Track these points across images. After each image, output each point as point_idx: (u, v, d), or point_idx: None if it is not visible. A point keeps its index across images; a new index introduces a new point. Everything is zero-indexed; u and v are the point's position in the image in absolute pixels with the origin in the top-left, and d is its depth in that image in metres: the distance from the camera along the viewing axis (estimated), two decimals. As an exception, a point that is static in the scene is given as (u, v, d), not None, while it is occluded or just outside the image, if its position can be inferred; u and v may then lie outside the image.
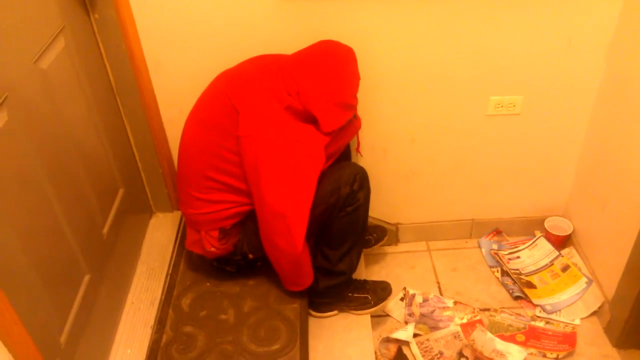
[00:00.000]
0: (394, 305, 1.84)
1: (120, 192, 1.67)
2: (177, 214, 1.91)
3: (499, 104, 1.76)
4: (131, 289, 1.62)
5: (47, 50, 1.29)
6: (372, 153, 1.84)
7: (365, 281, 1.78)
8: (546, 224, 1.99)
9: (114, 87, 1.66)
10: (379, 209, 1.96)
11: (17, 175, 1.12)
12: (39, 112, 1.23)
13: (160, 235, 1.82)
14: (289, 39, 1.57)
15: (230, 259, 1.57)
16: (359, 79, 1.51)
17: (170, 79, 1.67)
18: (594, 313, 1.76)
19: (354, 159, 1.81)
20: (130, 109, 1.70)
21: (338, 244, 1.61)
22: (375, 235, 1.97)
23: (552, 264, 1.89)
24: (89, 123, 1.48)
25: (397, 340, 1.72)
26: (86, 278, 1.38)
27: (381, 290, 1.78)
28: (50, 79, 1.28)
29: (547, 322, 1.75)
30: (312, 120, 1.42)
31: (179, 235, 1.82)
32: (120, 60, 1.59)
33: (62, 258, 1.28)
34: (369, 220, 1.71)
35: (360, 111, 1.65)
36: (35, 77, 1.23)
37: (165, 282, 1.63)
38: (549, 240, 1.96)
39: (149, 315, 1.53)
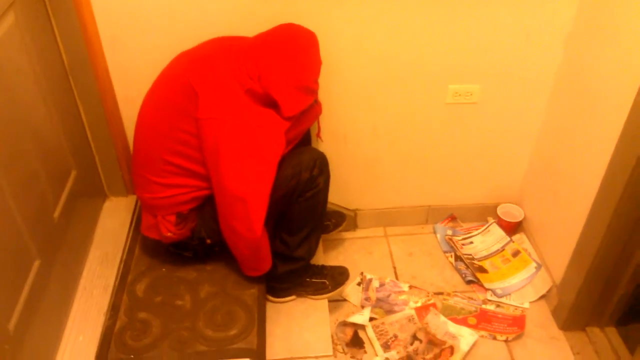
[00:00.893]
0: (351, 290, 1.86)
1: (73, 174, 1.62)
2: (132, 198, 1.87)
3: (457, 93, 1.79)
4: (83, 275, 1.58)
5: (-5, 25, 1.23)
6: (332, 139, 1.84)
7: (323, 266, 1.79)
8: (498, 211, 2.05)
9: (66, 64, 1.60)
10: (338, 195, 1.98)
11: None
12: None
13: (114, 220, 1.78)
14: (250, 21, 1.54)
15: (188, 244, 1.55)
16: (320, 63, 1.50)
17: (127, 56, 1.62)
18: (543, 297, 1.83)
19: (314, 144, 1.80)
20: (83, 87, 1.65)
21: (297, 229, 1.61)
22: (333, 220, 1.98)
23: (504, 250, 1.95)
24: (39, 101, 1.43)
25: (353, 324, 1.74)
26: (36, 263, 1.33)
27: (339, 275, 1.80)
28: (-4, 56, 1.23)
29: (498, 306, 1.81)
30: (273, 105, 1.41)
31: (134, 219, 1.78)
32: (73, 36, 1.54)
33: (10, 242, 1.23)
34: (328, 205, 1.72)
35: (321, 97, 1.65)
36: (-19, 53, 1.17)
37: (119, 267, 1.60)
38: (501, 226, 2.02)
39: (102, 301, 1.50)
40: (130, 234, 1.73)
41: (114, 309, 1.47)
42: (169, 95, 1.43)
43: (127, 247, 1.67)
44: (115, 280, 1.55)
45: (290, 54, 1.42)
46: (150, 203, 1.52)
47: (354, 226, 2.10)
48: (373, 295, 1.84)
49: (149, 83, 1.49)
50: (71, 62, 1.59)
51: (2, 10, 1.26)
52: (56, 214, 1.48)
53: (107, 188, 1.87)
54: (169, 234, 1.51)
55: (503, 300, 1.82)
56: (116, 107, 1.72)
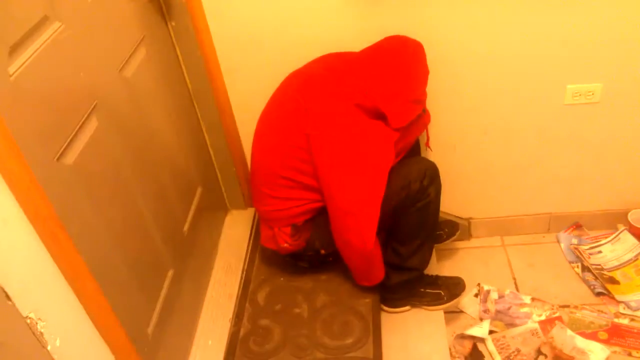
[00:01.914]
0: (468, 302, 1.83)
1: (199, 191, 1.77)
2: (251, 211, 1.99)
3: (576, 93, 1.70)
4: (210, 283, 1.71)
5: (130, 59, 1.39)
6: (442, 147, 1.83)
7: (437, 277, 1.77)
8: (630, 217, 1.90)
9: (191, 92, 1.75)
10: (450, 204, 1.95)
11: (108, 178, 1.22)
12: (124, 118, 1.33)
13: (235, 232, 1.90)
14: (356, 36, 1.59)
15: (303, 254, 1.62)
16: (427, 73, 1.51)
17: (243, 81, 1.74)
18: (685, 311, 1.68)
19: (423, 154, 1.81)
20: (206, 112, 1.79)
21: (409, 239, 1.62)
22: (446, 230, 1.95)
23: (637, 259, 1.81)
24: (169, 126, 1.58)
25: (472, 337, 1.71)
26: (170, 273, 1.47)
27: (454, 286, 1.77)
28: (133, 86, 1.38)
29: (632, 320, 1.68)
30: (381, 117, 1.43)
31: (253, 231, 1.89)
32: (196, 65, 1.69)
33: (148, 254, 1.37)
34: (440, 215, 1.71)
35: (429, 105, 1.65)
36: (120, 85, 1.33)
37: (241, 277, 1.71)
38: (633, 233, 1.88)
39: (228, 308, 1.61)
40: (250, 245, 1.83)
41: (238, 316, 1.58)
42: (281, 114, 1.51)
43: (247, 258, 1.78)
44: (239, 289, 1.66)
45: (397, 66, 1.44)
46: (267, 216, 1.61)
47: (468, 235, 2.06)
48: (492, 307, 1.79)
49: (262, 105, 1.58)
50: (195, 89, 1.74)
51: (135, 45, 1.42)
52: (185, 227, 1.62)
53: (228, 202, 2.01)
54: (285, 245, 1.58)
55: (638, 313, 1.69)
56: (235, 129, 1.85)
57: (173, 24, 1.62)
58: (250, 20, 1.62)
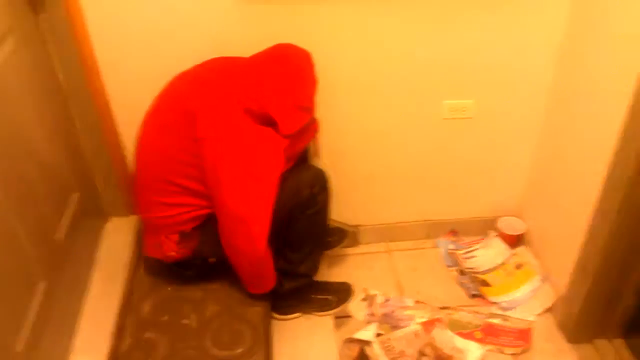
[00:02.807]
0: (355, 306, 1.88)
1: (75, 196, 1.64)
2: (133, 218, 1.88)
3: (452, 108, 1.82)
4: (88, 296, 1.59)
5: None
6: (330, 155, 1.87)
7: (326, 283, 1.81)
8: (499, 224, 2.07)
9: (65, 89, 1.63)
10: (339, 211, 1.99)
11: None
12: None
13: (116, 240, 1.79)
14: (246, 42, 1.58)
15: (190, 263, 1.58)
16: (316, 82, 1.54)
17: (124, 80, 1.66)
18: (548, 310, 1.85)
19: (311, 162, 1.83)
20: (82, 111, 1.68)
21: (299, 246, 1.64)
22: (335, 237, 2.00)
23: (506, 263, 1.97)
24: (40, 126, 1.46)
25: (359, 341, 1.75)
26: (41, 285, 1.35)
27: (342, 292, 1.82)
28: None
29: (504, 319, 1.82)
30: (271, 123, 1.44)
31: (136, 239, 1.80)
32: (70, 61, 1.58)
33: (14, 263, 1.25)
34: (330, 222, 1.75)
35: (318, 113, 1.67)
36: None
37: (123, 287, 1.61)
38: (503, 239, 2.05)
39: (108, 321, 1.51)
40: (133, 254, 1.74)
41: (119, 330, 1.49)
42: (168, 117, 1.47)
43: (130, 267, 1.69)
44: (121, 300, 1.57)
45: (286, 73, 1.45)
46: (152, 222, 1.55)
47: (355, 242, 2.12)
48: (378, 311, 1.85)
49: (146, 106, 1.53)
50: (69, 86, 1.62)
51: (0, 37, 1.30)
52: (59, 235, 1.50)
53: (107, 209, 1.89)
54: (172, 253, 1.53)
55: (509, 313, 1.83)
56: (115, 130, 1.75)
57: (44, 15, 1.50)
58: (134, 15, 1.55)
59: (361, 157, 1.92)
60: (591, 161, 1.59)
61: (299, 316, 1.73)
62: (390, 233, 2.13)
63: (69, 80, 1.61)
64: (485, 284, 1.92)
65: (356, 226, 2.09)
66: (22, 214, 1.29)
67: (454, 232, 2.14)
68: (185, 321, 1.52)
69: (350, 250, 2.10)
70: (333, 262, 2.04)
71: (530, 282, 1.90)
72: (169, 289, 1.62)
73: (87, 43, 1.57)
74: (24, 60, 1.40)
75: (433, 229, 2.14)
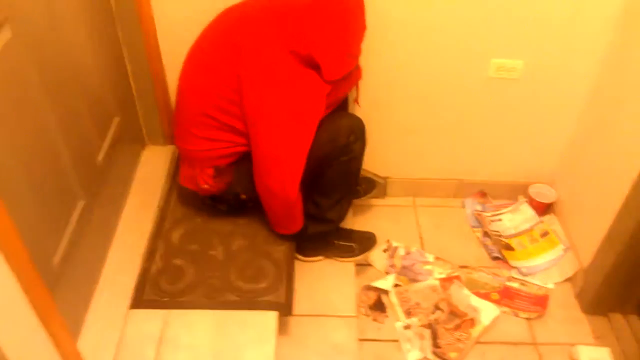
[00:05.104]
0: (376, 256, 1.89)
1: (116, 120, 1.66)
2: (170, 148, 1.90)
3: (500, 67, 1.76)
4: (122, 218, 1.64)
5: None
6: (370, 105, 1.84)
7: (351, 230, 1.82)
8: (530, 190, 2.03)
9: (115, 12, 1.62)
10: (371, 162, 1.98)
11: (18, 95, 1.11)
12: (41, 33, 1.20)
13: (152, 168, 1.82)
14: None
15: (223, 197, 1.59)
16: (365, 29, 1.50)
17: (172, 8, 1.64)
18: (568, 280, 1.84)
19: (351, 110, 1.81)
20: (129, 36, 1.67)
21: (330, 192, 1.64)
22: (364, 186, 2.01)
23: (532, 229, 1.95)
24: (87, 46, 1.46)
25: (377, 289, 1.78)
26: (80, 203, 1.38)
27: (366, 240, 1.83)
28: (52, 1, 1.25)
29: (522, 284, 1.82)
30: (315, 67, 1.41)
31: (172, 169, 1.82)
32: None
33: (57, 180, 1.28)
34: (361, 172, 1.74)
35: (362, 62, 1.64)
36: (38, -2, 1.19)
37: (156, 214, 1.65)
38: (531, 206, 2.01)
39: (139, 245, 1.55)
40: (168, 183, 1.77)
41: (150, 253, 1.54)
42: (213, 51, 1.45)
43: (164, 195, 1.72)
44: (153, 226, 1.61)
45: (337, 17, 1.40)
46: (189, 155, 1.56)
47: (383, 194, 2.11)
48: (398, 262, 1.87)
49: (194, 36, 1.50)
50: (118, 10, 1.61)
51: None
52: (99, 157, 1.53)
53: (147, 136, 1.91)
54: (205, 186, 1.55)
55: (527, 279, 1.83)
56: (159, 58, 1.74)
57: None
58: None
59: (399, 109, 1.88)
60: (634, 134, 1.53)
61: (322, 259, 1.76)
62: (418, 188, 2.11)
63: (118, 4, 1.60)
64: (508, 247, 1.91)
65: (385, 178, 2.08)
66: (66, 134, 1.31)
67: (482, 194, 2.11)
68: (212, 252, 1.55)
69: (377, 201, 2.10)
70: (359, 211, 2.04)
71: (554, 250, 1.88)
72: (199, 219, 1.65)
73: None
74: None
75: (461, 189, 2.11)
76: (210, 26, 1.50)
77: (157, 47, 1.72)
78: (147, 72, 1.74)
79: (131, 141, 1.82)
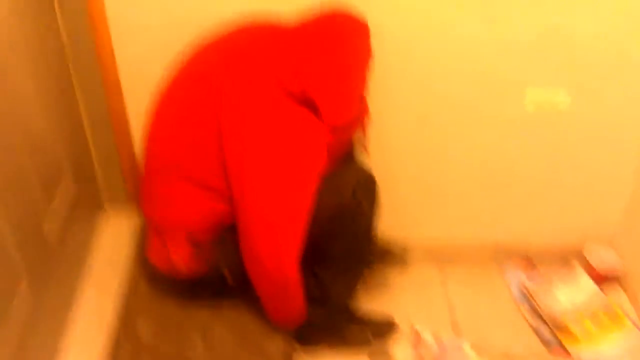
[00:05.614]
0: (397, 346, 1.86)
1: (68, 182, 1.67)
2: (135, 213, 1.91)
3: (538, 99, 1.78)
4: (77, 310, 1.62)
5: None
6: (381, 152, 1.85)
7: (363, 313, 1.80)
8: (587, 254, 2.03)
9: (67, 51, 1.65)
10: (385, 223, 1.95)
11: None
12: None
13: (113, 241, 1.82)
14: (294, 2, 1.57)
15: (203, 278, 1.57)
16: (371, 57, 1.52)
17: (139, 40, 1.67)
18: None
19: (357, 159, 1.81)
20: (86, 79, 1.71)
21: (335, 264, 1.64)
22: (378, 255, 1.98)
23: (593, 305, 1.93)
24: (35, 94, 1.48)
25: (400, 389, 1.75)
26: (23, 288, 1.37)
27: (383, 326, 1.82)
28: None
29: (587, 378, 1.79)
30: (313, 110, 1.42)
31: (138, 242, 1.81)
32: (76, 15, 1.60)
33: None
34: (372, 236, 1.73)
35: (370, 98, 1.67)
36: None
37: (120, 302, 1.63)
38: (590, 274, 2.00)
39: (98, 344, 1.53)
40: (134, 261, 1.76)
41: (112, 356, 1.50)
42: (189, 95, 1.47)
43: (128, 277, 1.71)
44: (115, 320, 1.59)
45: (336, 46, 1.44)
46: (160, 224, 1.55)
47: (402, 263, 2.09)
48: (425, 353, 1.83)
49: (164, 76, 1.53)
50: (72, 47, 1.65)
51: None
52: (48, 228, 1.52)
53: (106, 200, 1.92)
54: (180, 264, 1.53)
55: (593, 371, 1.80)
56: (122, 102, 1.77)
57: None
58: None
59: (416, 157, 1.89)
60: None
61: (328, 351, 1.73)
62: (447, 254, 2.10)
63: (72, 40, 1.64)
64: (564, 330, 1.88)
65: (404, 243, 2.07)
66: (5, 200, 1.30)
67: (528, 261, 2.10)
68: (190, 353, 1.52)
69: (395, 274, 2.07)
70: (373, 287, 2.02)
71: (624, 333, 1.86)
72: (174, 307, 1.62)
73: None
74: (25, 15, 1.42)
75: (501, 254, 2.10)
76: (186, 65, 1.52)
77: (120, 92, 1.74)
78: (106, 122, 1.76)
79: (87, 207, 1.82)
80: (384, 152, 1.85)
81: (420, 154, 1.89)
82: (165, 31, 1.63)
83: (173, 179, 1.48)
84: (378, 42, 1.53)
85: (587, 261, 2.01)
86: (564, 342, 1.85)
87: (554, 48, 1.69)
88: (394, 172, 1.90)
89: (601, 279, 1.99)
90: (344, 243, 1.60)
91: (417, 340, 1.87)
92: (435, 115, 1.81)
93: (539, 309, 1.94)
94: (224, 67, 1.44)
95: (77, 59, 1.66)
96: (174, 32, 1.60)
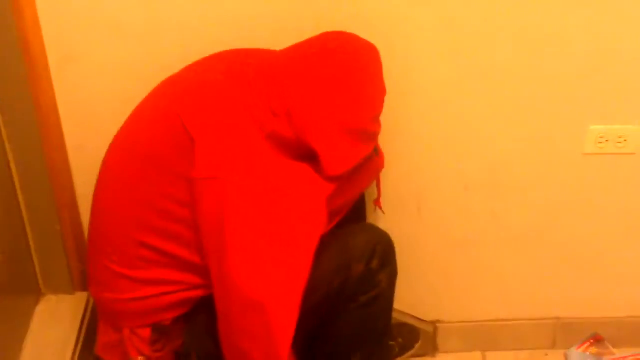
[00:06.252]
0: None
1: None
2: (82, 298, 1.91)
3: (601, 137, 1.82)
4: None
5: None
6: (400, 209, 1.88)
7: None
8: (674, 330, 2.03)
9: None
10: (408, 299, 1.99)
11: None
12: None
13: (52, 333, 1.81)
14: (275, 27, 1.62)
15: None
16: (384, 93, 1.55)
17: (85, 81, 1.71)
18: None
19: (370, 218, 1.84)
20: (17, 128, 1.73)
21: (345, 353, 1.64)
22: (400, 340, 1.99)
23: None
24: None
25: None
26: None
27: None
28: None
29: None
30: (309, 156, 1.45)
31: (83, 331, 1.82)
32: (9, 49, 1.63)
33: None
34: (393, 316, 1.73)
35: (383, 142, 1.69)
36: None
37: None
38: (678, 355, 2.00)
39: None
40: (77, 355, 1.75)
41: None
42: (149, 143, 1.49)
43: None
44: None
45: (337, 78, 1.46)
46: (113, 308, 1.56)
47: (433, 349, 2.10)
48: None
49: (115, 125, 1.56)
50: (2, 87, 1.68)
51: None
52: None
53: (43, 282, 1.92)
54: (139, 358, 1.54)
55: None
56: (65, 159, 1.80)
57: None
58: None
59: (449, 213, 1.92)
60: None
61: None
62: (490, 337, 2.11)
63: (2, 77, 1.66)
64: None
65: (435, 323, 2.07)
66: None
67: (596, 339, 2.10)
68: None
69: (424, 364, 2.08)
70: (395, 382, 2.02)
71: None
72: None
73: (35, 23, 1.62)
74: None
75: (561, 333, 2.11)
76: (142, 106, 1.56)
77: (62, 140, 1.78)
78: (44, 182, 1.78)
79: (18, 291, 1.83)
80: (403, 208, 1.89)
81: (449, 210, 1.92)
82: (121, 67, 1.68)
83: (128, 252, 1.49)
84: (391, 72, 1.57)
85: (674, 338, 2.02)
86: None
87: (620, 76, 1.75)
88: (416, 234, 1.93)
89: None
90: (354, 325, 1.60)
91: None
92: (467, 161, 1.86)
93: (612, 403, 1.94)
94: (194, 107, 1.45)
95: (7, 106, 1.70)
96: (132, 68, 1.66)
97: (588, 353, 2.08)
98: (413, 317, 2.04)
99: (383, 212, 1.83)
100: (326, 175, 1.45)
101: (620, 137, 1.82)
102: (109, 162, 1.56)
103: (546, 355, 2.11)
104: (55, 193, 1.81)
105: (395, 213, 1.87)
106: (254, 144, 1.42)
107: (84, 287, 1.89)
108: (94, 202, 1.58)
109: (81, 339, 1.80)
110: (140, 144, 1.51)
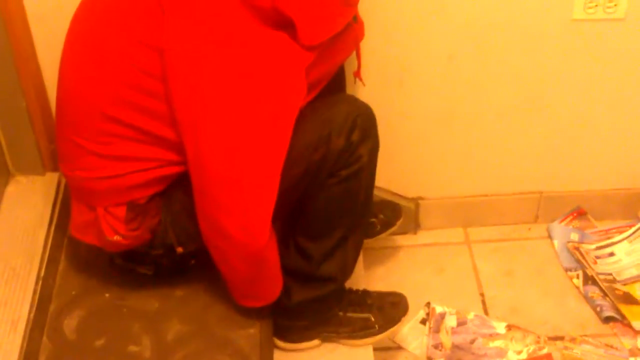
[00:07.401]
0: (410, 332, 1.89)
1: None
2: (53, 178, 1.91)
3: (592, 2, 1.78)
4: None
5: None
6: (381, 80, 1.86)
7: (365, 292, 1.82)
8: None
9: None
10: (390, 175, 2.00)
11: None
12: None
13: (24, 213, 1.81)
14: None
15: (146, 253, 1.58)
16: None
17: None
18: None
19: (350, 90, 1.82)
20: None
21: (324, 231, 1.64)
22: (382, 216, 2.00)
23: (664, 268, 1.96)
24: None
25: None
26: None
27: (390, 307, 1.82)
28: None
29: (657, 360, 1.82)
30: (286, 26, 1.41)
31: (56, 212, 1.82)
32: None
33: None
34: (374, 192, 1.73)
35: (363, 10, 1.65)
36: None
37: (35, 290, 1.63)
38: (660, 228, 2.03)
39: (10, 344, 1.53)
40: (51, 236, 1.76)
41: (28, 358, 1.51)
42: (117, 11, 1.44)
43: (46, 257, 1.70)
44: (30, 312, 1.59)
45: None
46: (85, 186, 1.55)
47: (414, 226, 2.13)
48: (447, 340, 1.86)
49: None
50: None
51: None
52: None
53: (11, 162, 1.92)
54: (115, 237, 1.53)
55: (664, 351, 1.83)
56: (26, 30, 1.76)
57: None
58: None
59: (432, 83, 1.90)
60: None
61: (318, 345, 1.75)
62: (473, 212, 2.14)
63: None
64: (629, 300, 1.91)
65: (416, 199, 2.08)
66: None
67: (579, 213, 2.13)
68: (133, 348, 1.53)
69: (405, 239, 2.10)
70: (377, 258, 2.04)
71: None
72: (107, 294, 1.64)
73: None
74: None
75: (543, 207, 2.14)
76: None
77: (23, 12, 1.74)
78: (7, 52, 1.74)
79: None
80: (385, 79, 1.87)
81: (433, 80, 1.90)
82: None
83: (99, 127, 1.46)
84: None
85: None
86: (627, 315, 1.88)
87: None
88: (398, 107, 1.92)
89: (675, 232, 2.02)
90: (334, 200, 1.59)
91: (436, 323, 1.89)
92: (454, 28, 1.83)
93: (593, 274, 1.97)
94: None
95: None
96: None
97: (571, 227, 2.11)
98: (394, 193, 2.05)
99: (364, 84, 1.80)
100: (304, 44, 1.41)
101: (611, 2, 1.78)
102: (74, 33, 1.51)
103: (529, 229, 2.14)
104: (17, 65, 1.77)
105: (376, 85, 1.86)
106: (228, 12, 1.39)
107: (56, 168, 1.88)
108: (60, 75, 1.54)
109: (54, 220, 1.81)
110: (108, 14, 1.46)
